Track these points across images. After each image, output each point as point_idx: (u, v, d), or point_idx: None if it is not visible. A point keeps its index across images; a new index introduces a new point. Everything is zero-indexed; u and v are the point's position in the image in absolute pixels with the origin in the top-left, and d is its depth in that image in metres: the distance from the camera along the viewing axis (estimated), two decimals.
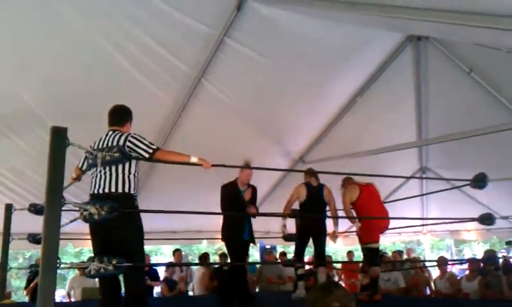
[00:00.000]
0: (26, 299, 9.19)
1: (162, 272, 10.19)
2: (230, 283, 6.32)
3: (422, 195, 10.76)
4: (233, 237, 6.16)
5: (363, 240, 6.48)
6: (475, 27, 3.81)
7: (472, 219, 5.70)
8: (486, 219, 5.19)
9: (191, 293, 9.95)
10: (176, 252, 10.33)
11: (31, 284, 8.83)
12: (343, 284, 10.56)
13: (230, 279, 6.34)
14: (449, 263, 10.91)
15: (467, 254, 20.54)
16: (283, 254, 11.09)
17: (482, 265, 8.39)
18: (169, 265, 10.49)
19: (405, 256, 11.85)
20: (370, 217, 6.43)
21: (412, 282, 9.07)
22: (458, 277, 8.77)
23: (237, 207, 6.15)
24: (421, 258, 14.88)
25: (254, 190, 6.36)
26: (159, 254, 25.94)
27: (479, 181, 5.22)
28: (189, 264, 10.24)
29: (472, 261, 9.35)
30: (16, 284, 17.17)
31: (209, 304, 7.11)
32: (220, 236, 6.39)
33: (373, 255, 6.56)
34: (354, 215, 6.58)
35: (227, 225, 6.26)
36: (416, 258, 13.31)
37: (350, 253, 12.46)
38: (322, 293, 2.36)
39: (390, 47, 7.21)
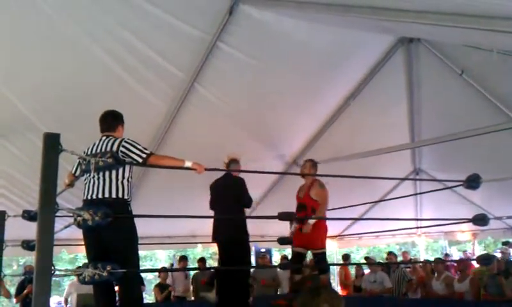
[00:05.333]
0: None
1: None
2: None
3: (416, 194, 10.76)
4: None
5: (320, 245, 6.32)
6: (467, 29, 3.84)
7: (466, 220, 5.70)
8: (480, 220, 5.16)
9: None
10: (182, 260, 10.34)
11: (24, 292, 8.76)
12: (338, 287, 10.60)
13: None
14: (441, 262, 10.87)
15: (456, 256, 20.55)
16: (285, 257, 10.99)
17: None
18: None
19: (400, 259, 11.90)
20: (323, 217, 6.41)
21: (418, 278, 9.09)
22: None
23: None
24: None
25: None
26: (154, 259, 25.81)
27: (472, 182, 5.20)
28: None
29: (463, 262, 9.36)
30: (11, 291, 16.99)
31: None
32: None
33: (325, 260, 6.51)
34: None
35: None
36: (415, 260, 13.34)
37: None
38: (311, 296, 2.39)
39: (381, 50, 7.24)
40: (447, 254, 13.75)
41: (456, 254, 20.01)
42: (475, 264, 8.70)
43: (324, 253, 6.38)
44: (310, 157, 8.95)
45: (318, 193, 6.39)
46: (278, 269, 9.63)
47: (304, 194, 6.51)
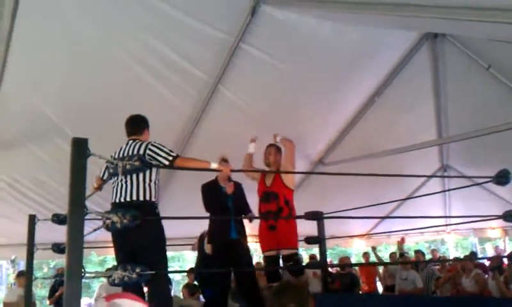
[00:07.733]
0: None
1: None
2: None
3: (444, 191, 10.65)
4: (219, 237, 5.71)
5: (293, 244, 5.67)
6: (493, 23, 3.77)
7: (496, 217, 5.61)
8: (511, 216, 5.08)
9: None
10: None
11: (56, 294, 8.92)
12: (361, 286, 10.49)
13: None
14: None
15: (489, 252, 20.18)
16: (312, 257, 10.81)
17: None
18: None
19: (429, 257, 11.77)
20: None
21: (449, 272, 8.99)
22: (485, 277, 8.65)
23: (219, 205, 5.74)
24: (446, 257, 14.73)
25: (237, 186, 5.91)
26: (182, 260, 25.97)
27: (502, 178, 5.10)
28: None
29: (494, 259, 9.21)
30: (42, 293, 17.33)
31: None
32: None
33: (300, 261, 5.92)
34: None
35: (212, 226, 5.85)
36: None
37: (366, 255, 12.43)
38: (277, 295, 2.38)
39: (406, 46, 7.16)
40: (473, 252, 13.51)
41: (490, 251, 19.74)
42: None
43: (298, 254, 5.81)
44: (335, 156, 8.91)
45: (290, 177, 5.83)
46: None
47: (273, 181, 5.83)
